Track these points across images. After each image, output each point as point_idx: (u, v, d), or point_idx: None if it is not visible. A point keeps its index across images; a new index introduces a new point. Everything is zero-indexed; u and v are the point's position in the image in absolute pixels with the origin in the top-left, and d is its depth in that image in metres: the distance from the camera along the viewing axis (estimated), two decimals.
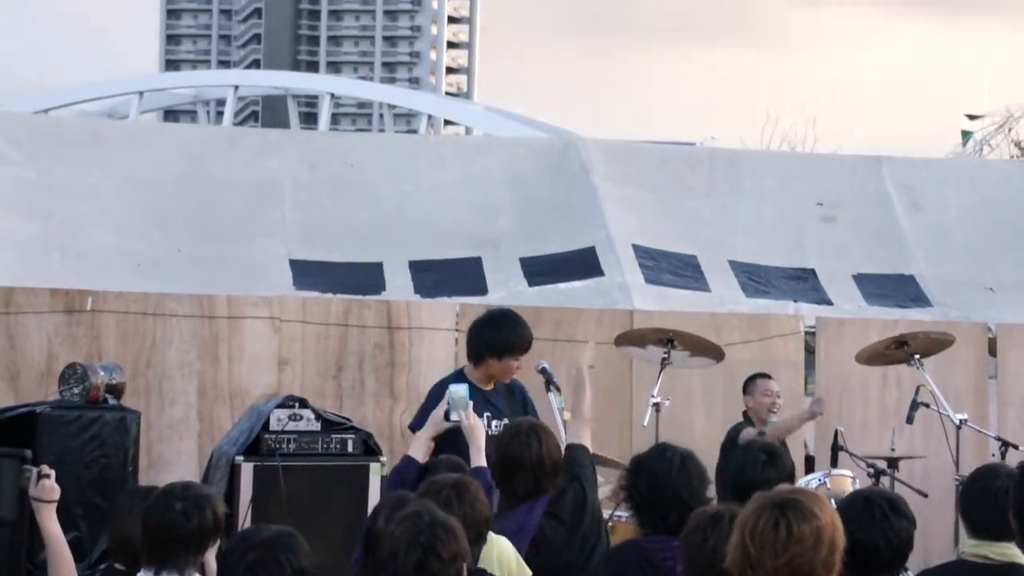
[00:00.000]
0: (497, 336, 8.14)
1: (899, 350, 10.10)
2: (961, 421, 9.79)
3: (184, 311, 10.49)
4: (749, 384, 10.47)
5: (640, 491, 5.74)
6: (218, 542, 5.31)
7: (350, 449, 7.67)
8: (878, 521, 5.00)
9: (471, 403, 6.69)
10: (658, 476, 5.74)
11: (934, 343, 10.20)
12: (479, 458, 6.43)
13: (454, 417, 6.61)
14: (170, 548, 5.19)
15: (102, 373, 7.74)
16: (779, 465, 6.29)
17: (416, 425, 7.96)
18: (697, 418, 10.82)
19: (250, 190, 12.45)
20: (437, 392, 8.09)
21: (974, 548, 5.44)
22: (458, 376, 8.18)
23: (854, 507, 5.08)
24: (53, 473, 5.72)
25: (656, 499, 5.56)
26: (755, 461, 6.29)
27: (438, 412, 6.76)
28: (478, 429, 6.58)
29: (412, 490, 6.00)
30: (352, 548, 7.42)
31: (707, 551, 4.83)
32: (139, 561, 5.38)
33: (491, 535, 5.68)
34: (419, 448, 6.70)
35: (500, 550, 5.82)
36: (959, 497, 5.52)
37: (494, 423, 8.11)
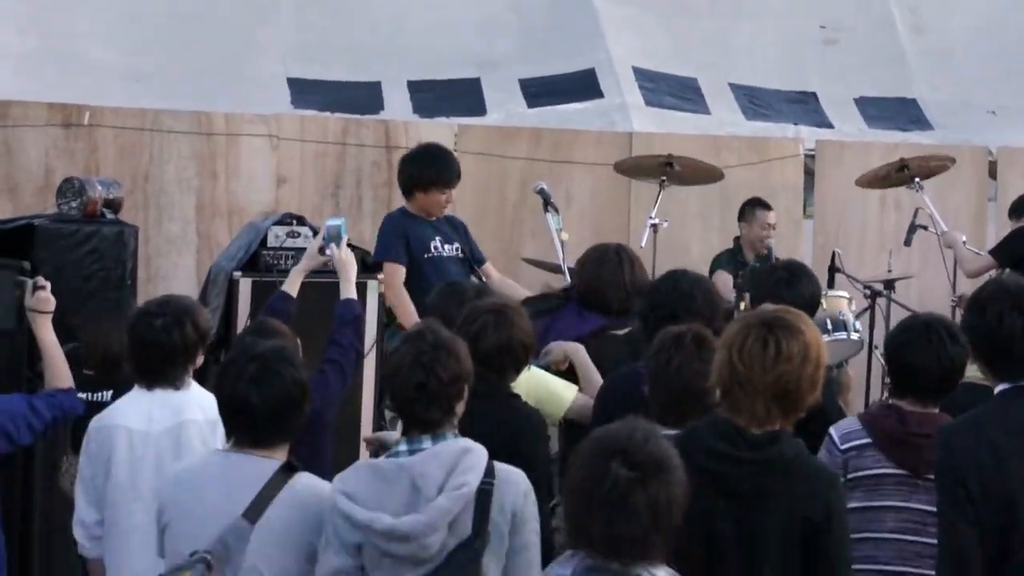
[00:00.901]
0: (421, 171, 8.17)
1: (899, 173, 10.06)
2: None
3: (182, 127, 10.44)
4: (747, 210, 10.38)
5: (647, 314, 5.75)
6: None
7: None
8: (934, 346, 5.05)
9: (346, 237, 6.66)
10: (665, 297, 5.75)
11: (934, 166, 10.16)
12: (348, 289, 6.44)
13: (328, 252, 6.61)
14: (158, 364, 5.23)
15: (100, 188, 7.71)
16: (797, 287, 6.24)
17: (381, 256, 8.02)
18: (694, 239, 10.82)
19: (248, 6, 12.33)
20: (386, 226, 8.13)
21: (980, 372, 5.49)
22: (400, 212, 8.23)
23: (911, 332, 5.15)
24: (48, 285, 5.75)
25: (662, 319, 5.54)
26: (776, 280, 6.27)
27: (313, 246, 6.77)
28: (350, 264, 6.58)
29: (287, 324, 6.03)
30: None
31: (671, 371, 4.86)
32: (112, 369, 5.46)
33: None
34: (293, 282, 6.72)
35: (528, 378, 5.84)
36: (961, 324, 5.52)
37: (445, 247, 8.16)
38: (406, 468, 4.31)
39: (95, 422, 5.33)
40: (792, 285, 6.21)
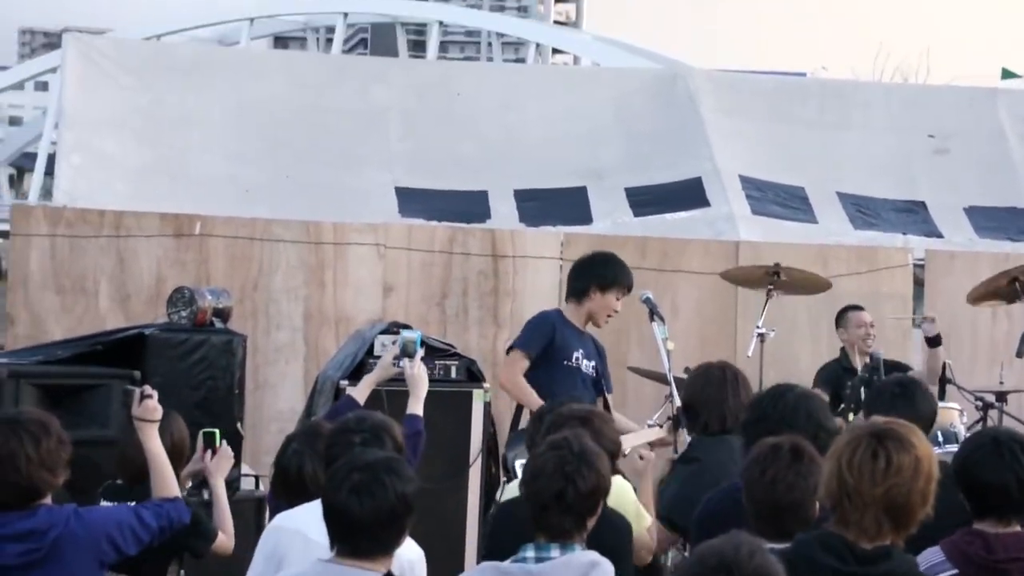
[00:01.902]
0: (605, 271, 8.21)
1: (1009, 287, 9.94)
2: None
3: (291, 236, 10.56)
4: (841, 318, 10.32)
5: (749, 427, 5.66)
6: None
7: (453, 375, 7.70)
8: (1008, 462, 4.88)
9: (421, 351, 6.66)
10: (768, 411, 5.66)
11: None
12: (416, 406, 6.43)
13: (400, 364, 6.60)
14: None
15: (209, 297, 7.81)
16: (913, 403, 6.13)
17: (516, 344, 8.04)
18: (802, 349, 10.73)
19: (357, 118, 12.50)
20: (537, 320, 8.15)
21: None
22: (556, 314, 8.24)
23: (982, 449, 4.98)
24: (155, 394, 5.81)
25: (763, 433, 5.45)
26: (891, 395, 6.14)
27: (387, 357, 6.77)
28: (421, 380, 6.57)
29: None
30: (456, 473, 7.52)
31: (766, 482, 4.78)
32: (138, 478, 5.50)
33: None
34: (363, 390, 6.71)
35: (619, 488, 5.80)
36: None
37: (584, 362, 8.16)
38: (534, 574, 4.29)
39: (276, 521, 5.36)
40: (909, 400, 6.11)
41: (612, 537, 5.19)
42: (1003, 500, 4.86)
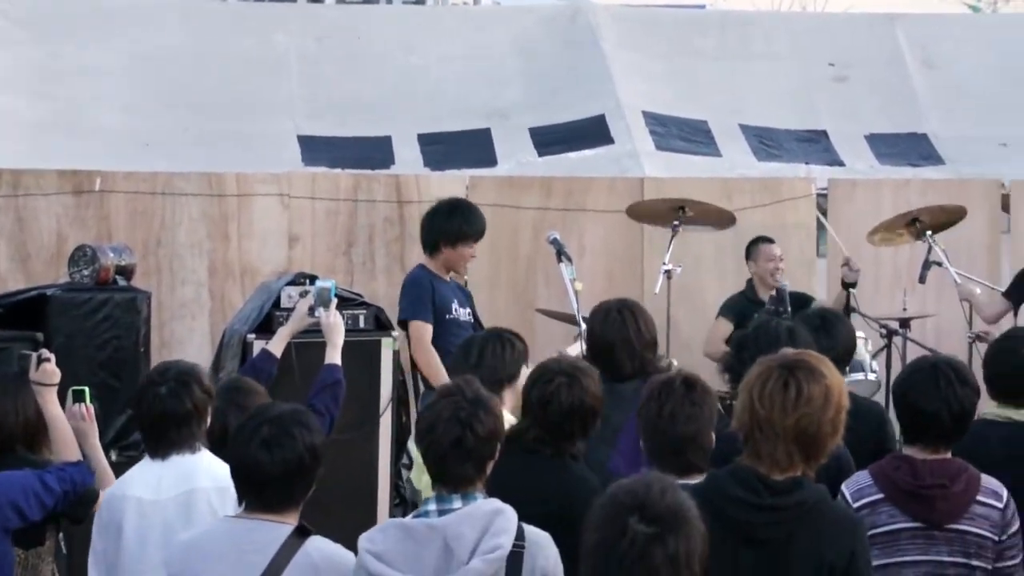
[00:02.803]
0: (451, 224, 8.19)
1: (910, 228, 10.04)
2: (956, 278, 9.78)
3: (192, 189, 10.45)
4: (751, 249, 10.38)
5: (745, 367, 5.59)
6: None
7: (362, 324, 7.67)
8: (943, 389, 4.96)
9: (335, 300, 6.64)
10: (764, 350, 5.60)
11: (946, 214, 10.12)
12: (334, 355, 6.42)
13: (316, 314, 6.57)
14: (167, 431, 5.19)
15: (112, 254, 7.72)
16: (834, 333, 6.18)
17: (410, 316, 8.02)
18: (709, 284, 10.77)
19: (257, 66, 12.36)
20: (414, 285, 8.13)
21: (997, 409, 5.45)
22: (425, 272, 8.22)
23: (919, 374, 5.05)
24: (53, 357, 5.73)
25: None
26: (812, 328, 6.15)
27: (302, 307, 6.76)
28: (337, 328, 6.56)
29: (266, 383, 5.99)
30: (366, 422, 7.50)
31: (664, 419, 4.81)
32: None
33: None
34: (278, 343, 6.68)
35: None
36: (984, 362, 5.48)
37: (460, 310, 8.18)
38: (438, 529, 4.26)
39: (106, 492, 5.30)
40: (830, 331, 6.17)
41: (574, 504, 5.14)
42: (934, 427, 4.95)
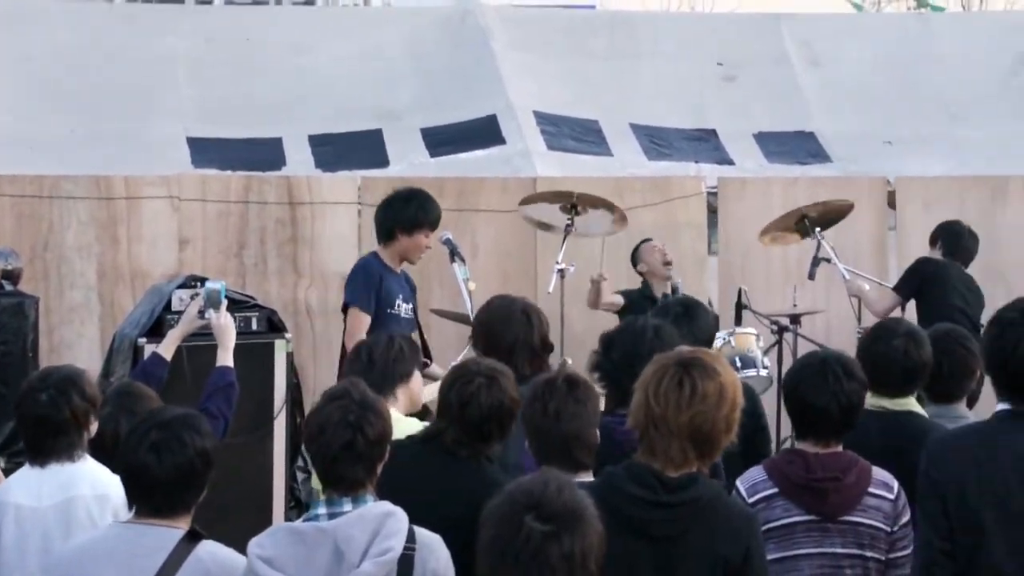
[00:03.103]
0: (406, 211, 8.14)
1: (799, 224, 10.16)
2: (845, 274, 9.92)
3: (81, 192, 10.33)
4: (634, 254, 10.48)
5: (613, 365, 5.62)
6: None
7: (254, 327, 7.60)
8: (831, 384, 5.00)
9: (225, 301, 6.61)
10: (630, 349, 5.63)
11: (833, 211, 10.24)
12: (226, 357, 6.38)
13: (206, 316, 6.54)
14: (48, 439, 5.11)
15: None
16: (697, 321, 6.23)
17: (352, 301, 7.98)
18: (602, 283, 10.82)
19: (145, 68, 12.25)
20: (364, 272, 8.09)
21: (872, 400, 5.52)
22: (376, 261, 8.18)
23: (808, 370, 5.09)
24: None
25: (629, 372, 5.42)
26: (674, 316, 6.20)
27: (192, 309, 6.71)
28: (228, 330, 6.52)
29: (157, 388, 5.94)
30: (261, 425, 7.44)
31: (549, 418, 4.83)
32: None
33: None
34: (169, 346, 6.63)
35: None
36: (857, 354, 5.56)
37: (403, 306, 8.14)
38: (328, 532, 4.24)
39: None
40: (691, 319, 6.22)
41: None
42: (824, 421, 4.99)
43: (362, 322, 7.95)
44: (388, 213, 8.21)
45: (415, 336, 8.07)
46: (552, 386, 4.88)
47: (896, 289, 9.95)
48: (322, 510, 4.31)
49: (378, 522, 4.23)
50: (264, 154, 11.65)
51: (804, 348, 8.71)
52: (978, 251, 10.13)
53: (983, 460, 4.40)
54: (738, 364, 8.60)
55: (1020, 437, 4.41)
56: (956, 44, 13.61)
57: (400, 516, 4.27)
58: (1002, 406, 4.49)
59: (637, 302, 10.07)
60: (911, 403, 5.62)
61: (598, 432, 4.91)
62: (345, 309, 8.10)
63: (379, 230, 8.25)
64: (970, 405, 6.11)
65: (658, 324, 5.72)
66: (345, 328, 8.09)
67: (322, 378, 9.37)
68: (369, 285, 8.03)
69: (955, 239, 10.05)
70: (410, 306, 8.21)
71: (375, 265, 8.13)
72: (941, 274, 9.82)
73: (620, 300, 10.00)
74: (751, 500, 4.92)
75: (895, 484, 4.99)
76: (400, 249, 8.15)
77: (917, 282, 9.82)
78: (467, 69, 12.69)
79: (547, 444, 4.85)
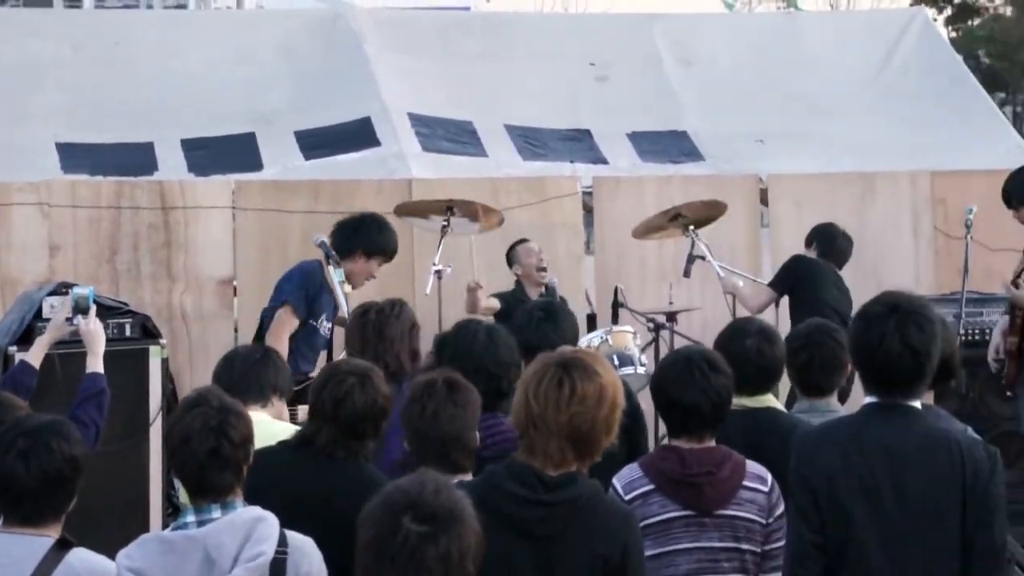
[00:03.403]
0: (375, 237, 8.22)
1: (673, 222, 10.25)
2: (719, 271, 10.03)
3: None
4: (510, 255, 10.52)
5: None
6: None
7: (128, 333, 7.54)
8: (698, 380, 5.05)
9: (94, 307, 6.56)
10: (462, 350, 5.68)
11: (707, 208, 10.35)
12: (96, 364, 6.34)
13: (75, 322, 6.49)
14: None
15: None
16: (557, 323, 6.29)
17: (289, 300, 7.94)
18: (477, 290, 10.83)
19: (13, 73, 12.06)
20: (306, 277, 8.06)
21: (742, 400, 5.60)
22: (320, 271, 8.15)
23: (674, 368, 5.14)
24: None
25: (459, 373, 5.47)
26: (537, 320, 6.29)
27: (59, 316, 6.65)
28: (98, 335, 6.47)
29: (26, 396, 5.88)
30: (136, 433, 7.37)
31: (428, 418, 4.85)
32: None
33: None
34: (36, 354, 6.57)
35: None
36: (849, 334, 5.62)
37: (325, 325, 8.15)
38: (198, 539, 4.21)
39: None
40: (554, 322, 6.26)
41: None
42: (694, 417, 5.04)
43: (291, 323, 7.93)
44: (357, 234, 8.26)
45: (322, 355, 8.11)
46: (432, 388, 4.90)
47: (771, 285, 10.12)
48: (191, 518, 4.29)
49: (248, 527, 4.21)
50: (136, 159, 11.52)
51: (681, 345, 8.79)
52: (851, 253, 10.34)
53: (851, 453, 4.46)
54: (616, 362, 8.64)
55: (887, 430, 4.47)
56: (825, 43, 13.81)
57: (271, 521, 4.25)
58: (869, 399, 4.55)
59: (512, 305, 10.10)
60: (769, 399, 5.72)
61: (478, 435, 4.94)
62: (273, 309, 8.07)
63: (340, 246, 8.26)
64: (841, 401, 6.21)
65: (492, 327, 5.79)
66: (269, 327, 8.06)
67: (198, 384, 9.25)
68: (307, 288, 8.04)
69: (830, 241, 10.25)
70: (330, 326, 8.23)
71: (318, 274, 8.14)
72: (814, 272, 10.00)
73: (496, 304, 10.03)
74: (628, 497, 4.96)
75: (769, 477, 5.05)
76: (352, 269, 8.20)
77: (791, 279, 10.00)
78: (340, 71, 12.64)
79: (425, 445, 4.86)
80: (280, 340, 7.93)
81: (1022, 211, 9.32)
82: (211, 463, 4.27)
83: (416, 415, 4.87)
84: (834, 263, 10.18)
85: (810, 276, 9.96)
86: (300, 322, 8.05)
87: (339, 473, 5.02)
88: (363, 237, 8.27)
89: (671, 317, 10.23)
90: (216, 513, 4.27)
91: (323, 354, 8.51)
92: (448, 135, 12.27)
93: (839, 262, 10.23)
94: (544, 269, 10.34)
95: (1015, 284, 9.10)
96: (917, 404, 4.53)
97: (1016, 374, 9.28)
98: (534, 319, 6.24)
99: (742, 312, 10.08)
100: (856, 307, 4.71)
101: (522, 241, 10.53)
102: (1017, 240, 11.14)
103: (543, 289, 10.06)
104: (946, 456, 4.43)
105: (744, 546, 5.02)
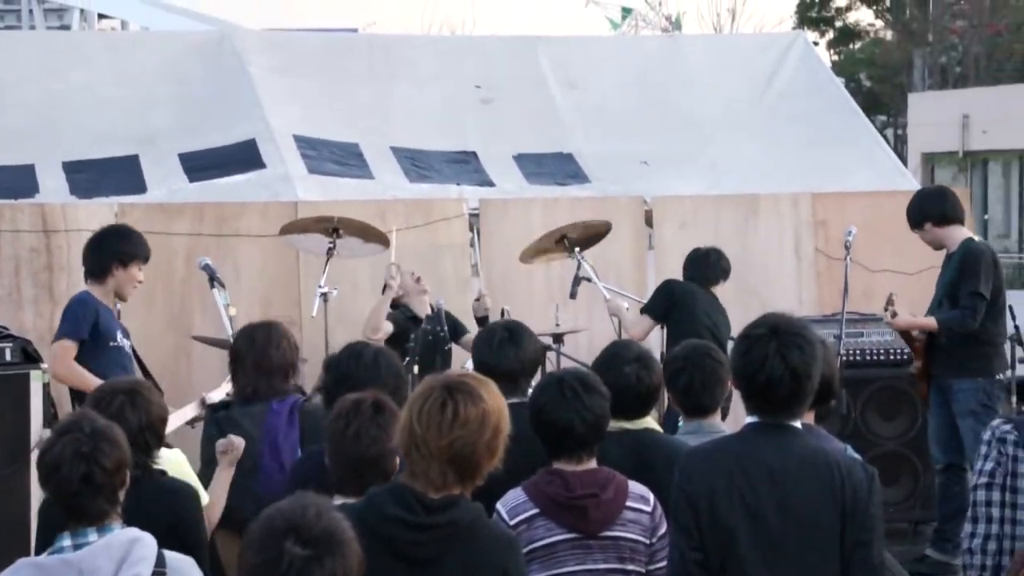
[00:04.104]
0: (123, 246, 8.11)
1: (560, 244, 10.30)
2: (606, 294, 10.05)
3: None
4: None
5: (331, 388, 5.68)
6: None
7: (8, 357, 7.46)
8: (571, 401, 5.08)
9: None
10: (346, 372, 5.69)
11: (592, 233, 10.41)
12: None
13: None
14: None
15: None
16: (521, 344, 6.25)
17: (63, 334, 7.84)
18: (366, 305, 10.81)
19: None
20: (78, 306, 7.97)
21: (612, 423, 5.65)
22: (91, 296, 8.07)
23: (548, 390, 5.17)
24: None
25: (345, 392, 5.47)
26: (499, 340, 6.23)
27: None
28: None
29: None
30: (17, 458, 7.27)
31: (350, 438, 4.85)
32: None
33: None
34: None
35: (176, 462, 5.78)
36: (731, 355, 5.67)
37: (124, 340, 8.07)
38: (74, 564, 4.17)
39: None
40: (517, 343, 6.22)
41: (179, 515, 5.16)
42: (571, 438, 5.06)
43: (67, 353, 7.83)
44: (103, 248, 8.16)
45: (138, 368, 8.06)
46: (359, 407, 4.89)
47: (647, 311, 10.15)
48: (67, 542, 4.26)
49: (124, 549, 4.18)
50: (16, 181, 11.38)
51: (567, 367, 8.82)
52: (729, 267, 10.38)
53: (734, 472, 4.50)
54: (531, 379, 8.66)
55: (769, 449, 4.52)
56: (708, 66, 13.94)
57: (147, 541, 4.23)
58: (751, 419, 4.61)
59: (404, 325, 10.10)
60: (648, 421, 5.77)
61: (397, 460, 4.92)
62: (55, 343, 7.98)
63: (92, 265, 8.17)
64: (723, 418, 6.28)
65: (380, 349, 5.80)
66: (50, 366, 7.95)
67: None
68: (85, 316, 7.95)
69: (699, 265, 10.30)
70: (128, 342, 8.16)
71: (91, 301, 8.07)
72: (687, 294, 10.06)
73: (390, 327, 10.00)
74: (513, 522, 4.97)
75: (651, 497, 5.09)
76: (115, 284, 8.12)
77: (665, 303, 10.05)
78: (225, 93, 12.57)
79: (342, 463, 4.85)
80: (65, 367, 7.82)
81: (928, 231, 9.38)
82: (83, 490, 4.24)
83: (339, 433, 4.86)
84: (708, 283, 10.23)
85: (684, 299, 10.03)
86: (88, 347, 7.95)
87: (139, 491, 4.99)
88: (111, 249, 8.18)
89: (558, 339, 10.28)
90: (92, 536, 4.24)
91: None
92: (334, 157, 12.24)
93: (712, 279, 10.27)
94: (419, 278, 10.35)
95: (888, 311, 9.23)
96: (798, 424, 4.59)
97: (927, 395, 9.42)
98: (496, 340, 6.20)
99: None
100: (740, 328, 4.76)
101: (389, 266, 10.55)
102: (895, 262, 11.35)
103: (428, 308, 10.08)
104: (826, 475, 4.49)
105: (629, 567, 5.05)
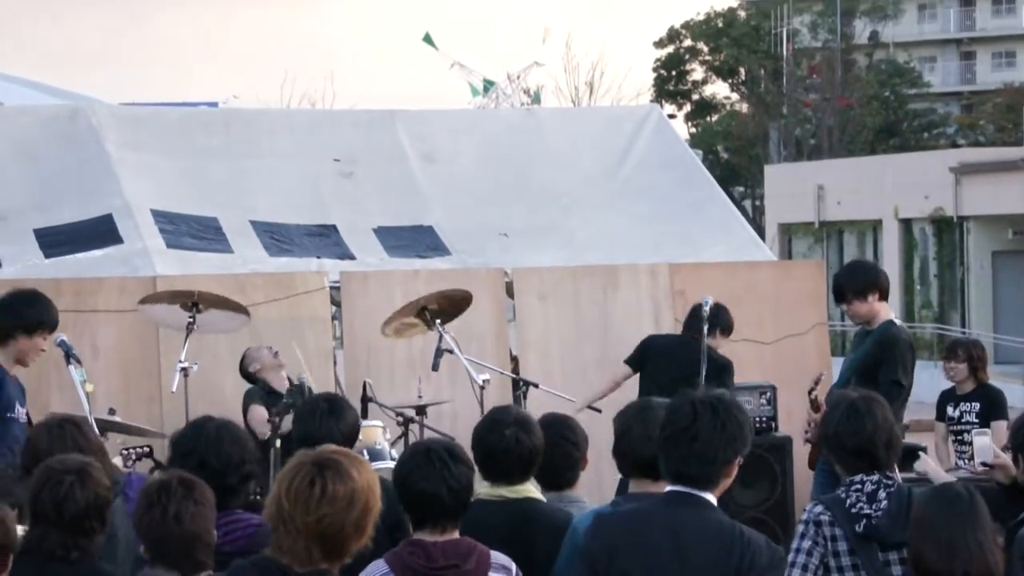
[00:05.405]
0: (29, 312, 7.98)
1: (420, 316, 10.31)
2: (484, 382, 10.00)
3: None
4: (242, 363, 10.47)
5: (179, 464, 5.63)
6: None
7: None
8: (439, 470, 5.07)
9: None
10: (188, 447, 5.66)
11: (453, 302, 10.44)
12: None
13: None
14: None
15: None
16: (342, 416, 6.34)
17: None
18: (227, 379, 10.74)
19: None
20: None
21: (490, 490, 5.66)
22: None
23: (414, 459, 5.16)
24: None
25: (188, 466, 5.45)
26: (320, 412, 6.31)
27: None
28: None
29: None
30: None
31: (170, 521, 4.81)
32: None
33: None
34: None
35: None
36: (471, 444, 5.70)
37: (20, 411, 7.93)
38: None
39: None
40: (338, 415, 6.30)
41: None
42: (436, 507, 5.06)
43: None
44: (9, 314, 8.03)
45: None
46: (167, 489, 4.83)
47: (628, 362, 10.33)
48: None
49: None
50: None
51: (431, 437, 8.83)
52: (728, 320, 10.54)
53: (642, 530, 4.70)
54: (367, 457, 8.64)
55: (678, 515, 4.70)
56: (565, 139, 14.10)
57: None
58: (668, 488, 4.81)
59: (267, 400, 10.05)
60: (529, 489, 5.78)
61: (215, 532, 4.90)
62: None
63: None
64: None
65: (224, 423, 5.78)
66: None
67: None
68: None
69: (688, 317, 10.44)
70: (25, 410, 8.03)
71: None
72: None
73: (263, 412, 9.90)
74: None
75: (513, 567, 5.10)
76: (16, 351, 7.99)
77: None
78: (80, 169, 12.46)
79: (167, 546, 4.80)
80: None
81: (870, 303, 9.35)
82: None
83: (158, 519, 4.80)
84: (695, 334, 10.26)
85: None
86: None
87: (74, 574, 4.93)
88: (16, 315, 8.07)
89: (421, 410, 10.28)
90: None
91: None
92: (193, 231, 12.17)
93: (696, 332, 10.27)
94: (276, 352, 10.33)
95: (812, 402, 9.29)
96: (710, 497, 4.75)
97: (816, 459, 9.47)
98: (318, 412, 6.28)
99: (491, 402, 10.17)
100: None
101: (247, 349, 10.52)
102: (752, 331, 11.52)
103: (286, 381, 10.03)
104: (729, 539, 4.65)
105: None
